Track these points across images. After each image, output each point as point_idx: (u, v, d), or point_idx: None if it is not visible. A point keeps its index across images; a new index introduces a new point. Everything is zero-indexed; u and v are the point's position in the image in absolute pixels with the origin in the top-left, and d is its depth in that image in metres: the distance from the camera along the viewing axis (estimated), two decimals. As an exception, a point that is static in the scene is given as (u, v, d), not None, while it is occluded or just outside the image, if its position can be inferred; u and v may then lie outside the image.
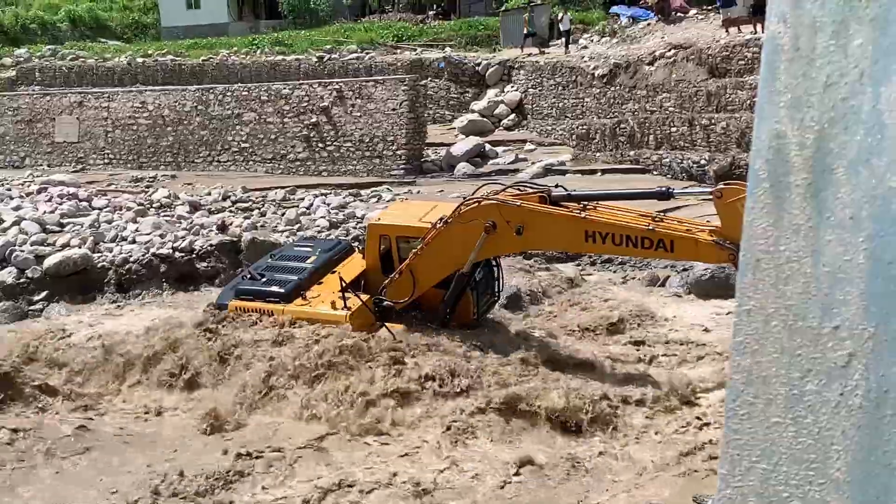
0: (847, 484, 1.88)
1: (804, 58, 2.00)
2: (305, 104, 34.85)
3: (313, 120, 34.70)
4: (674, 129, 31.48)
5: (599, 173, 31.30)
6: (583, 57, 37.68)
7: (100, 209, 26.46)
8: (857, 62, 1.93)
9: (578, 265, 22.98)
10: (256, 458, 13.32)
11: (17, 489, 12.74)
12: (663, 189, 15.88)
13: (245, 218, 26.33)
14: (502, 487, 12.42)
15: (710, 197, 14.54)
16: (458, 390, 14.73)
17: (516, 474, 12.71)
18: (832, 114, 1.94)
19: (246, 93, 36.13)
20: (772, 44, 2.08)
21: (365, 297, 16.56)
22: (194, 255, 22.46)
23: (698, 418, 14.16)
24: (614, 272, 22.73)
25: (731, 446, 2.06)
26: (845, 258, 1.90)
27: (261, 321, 16.44)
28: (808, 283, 1.96)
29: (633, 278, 22.17)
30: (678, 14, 38.51)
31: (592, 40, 41.73)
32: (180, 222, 25.19)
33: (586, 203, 15.48)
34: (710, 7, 38.00)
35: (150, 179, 34.53)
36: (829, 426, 1.90)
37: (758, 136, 2.08)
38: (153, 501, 12.28)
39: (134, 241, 23.24)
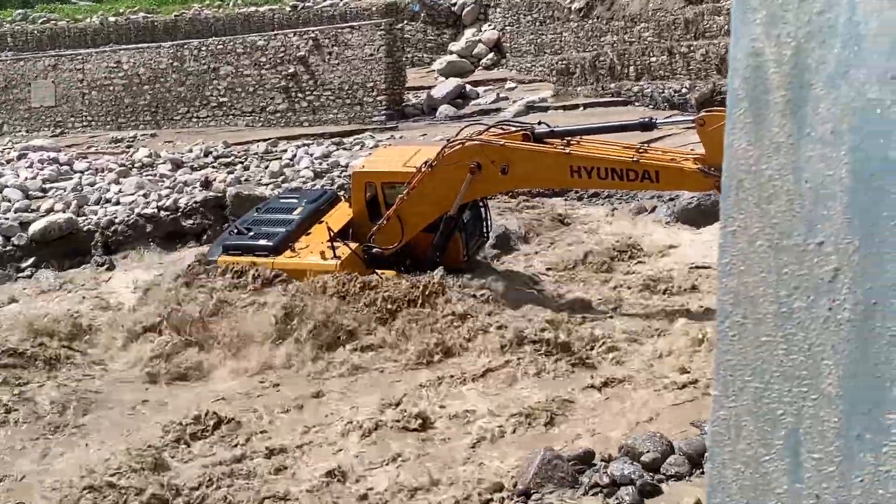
0: (839, 398, 1.89)
1: (778, -28, 1.97)
2: (282, 55, 34.48)
3: (291, 70, 34.36)
4: (653, 59, 31.28)
5: (581, 108, 31.11)
6: (559, -9, 37.31)
7: (81, 172, 26.28)
8: (831, -26, 1.90)
9: (566, 200, 22.96)
10: None
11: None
12: (646, 120, 15.91)
13: (228, 173, 26.14)
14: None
15: (693, 125, 14.54)
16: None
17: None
18: (808, 28, 1.92)
19: (221, 46, 35.69)
20: (745, -40, 2.05)
21: (354, 245, 16.56)
22: (179, 213, 22.37)
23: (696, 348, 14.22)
24: (601, 205, 22.74)
25: (722, 367, 2.07)
26: (827, 173, 1.89)
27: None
28: (792, 200, 1.95)
29: (620, 210, 22.18)
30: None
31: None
32: (163, 181, 25.03)
33: (570, 138, 15.46)
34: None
35: (130, 139, 34.21)
36: (819, 342, 1.91)
37: (734, 56, 2.06)
38: None
39: (118, 203, 23.11)
